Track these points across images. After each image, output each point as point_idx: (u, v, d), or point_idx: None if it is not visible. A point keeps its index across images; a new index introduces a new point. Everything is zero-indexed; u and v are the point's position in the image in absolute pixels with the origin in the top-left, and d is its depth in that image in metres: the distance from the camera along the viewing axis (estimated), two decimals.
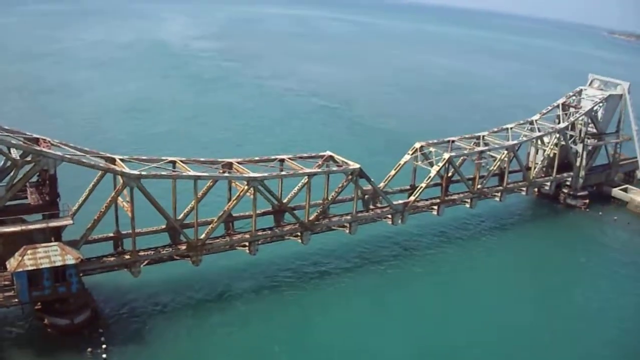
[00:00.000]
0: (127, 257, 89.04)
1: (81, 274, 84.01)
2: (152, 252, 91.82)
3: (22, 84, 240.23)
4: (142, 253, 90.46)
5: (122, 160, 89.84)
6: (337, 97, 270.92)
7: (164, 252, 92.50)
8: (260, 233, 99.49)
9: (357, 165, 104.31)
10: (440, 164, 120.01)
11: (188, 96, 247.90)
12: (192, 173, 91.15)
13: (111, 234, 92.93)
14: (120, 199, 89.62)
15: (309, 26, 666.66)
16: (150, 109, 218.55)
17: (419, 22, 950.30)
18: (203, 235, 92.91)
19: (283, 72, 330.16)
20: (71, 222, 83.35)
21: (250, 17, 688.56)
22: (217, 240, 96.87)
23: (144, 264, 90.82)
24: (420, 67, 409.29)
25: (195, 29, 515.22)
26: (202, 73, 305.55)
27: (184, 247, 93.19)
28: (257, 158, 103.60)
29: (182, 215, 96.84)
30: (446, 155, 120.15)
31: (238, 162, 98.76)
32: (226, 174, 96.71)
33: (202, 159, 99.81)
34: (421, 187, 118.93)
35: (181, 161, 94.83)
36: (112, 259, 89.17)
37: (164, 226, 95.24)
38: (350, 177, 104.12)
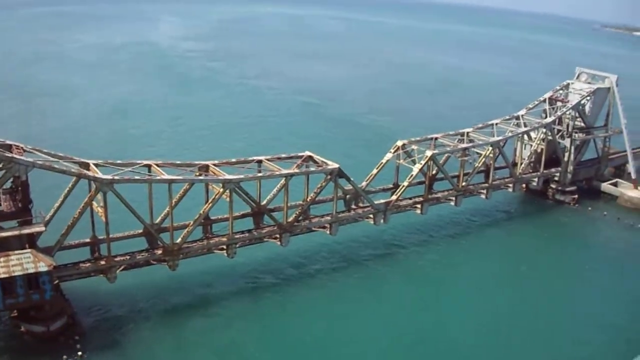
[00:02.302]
0: (103, 263, 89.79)
1: (57, 281, 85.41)
2: (128, 257, 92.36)
3: (9, 87, 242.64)
4: (117, 258, 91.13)
5: (96, 165, 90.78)
6: (323, 95, 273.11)
7: (140, 257, 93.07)
8: (237, 236, 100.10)
9: (336, 165, 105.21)
10: (423, 162, 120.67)
11: (172, 98, 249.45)
12: (166, 177, 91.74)
13: (87, 240, 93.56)
14: (95, 204, 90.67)
15: (302, 25, 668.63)
16: (134, 111, 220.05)
17: (411, 19, 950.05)
18: (179, 240, 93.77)
19: (269, 71, 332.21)
20: (44, 228, 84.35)
21: (242, 17, 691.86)
22: (194, 244, 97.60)
23: (120, 269, 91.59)
24: (411, 63, 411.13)
25: (186, 29, 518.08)
26: (188, 74, 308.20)
27: (160, 252, 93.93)
28: (234, 160, 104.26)
29: (158, 219, 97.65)
30: (429, 153, 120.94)
31: (214, 164, 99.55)
32: (202, 177, 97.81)
33: (178, 162, 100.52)
34: (403, 185, 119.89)
35: (156, 164, 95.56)
36: (87, 265, 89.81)
37: (140, 231, 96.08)
38: (329, 177, 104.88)
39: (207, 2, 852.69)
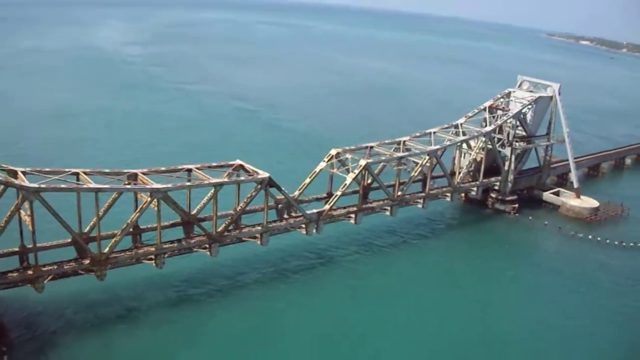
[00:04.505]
0: (30, 272, 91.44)
1: None
2: (56, 267, 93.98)
3: None
4: (45, 268, 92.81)
5: (24, 172, 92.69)
6: (259, 101, 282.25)
7: (68, 267, 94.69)
8: (166, 246, 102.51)
9: (266, 175, 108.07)
10: (357, 171, 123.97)
11: (109, 103, 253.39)
12: (93, 186, 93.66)
13: (16, 249, 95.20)
14: (22, 212, 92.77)
15: (243, 30, 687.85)
16: (67, 117, 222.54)
17: (351, 25, 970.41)
18: (107, 249, 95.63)
19: (208, 77, 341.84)
20: None
21: (183, 22, 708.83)
22: (122, 254, 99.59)
23: (48, 279, 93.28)
24: (352, 70, 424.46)
25: (127, 34, 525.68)
26: (127, 79, 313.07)
27: (88, 262, 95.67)
28: (163, 168, 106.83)
29: (87, 228, 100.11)
30: (363, 162, 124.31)
31: (144, 173, 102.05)
32: (129, 186, 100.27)
33: (106, 170, 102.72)
34: (336, 195, 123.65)
35: (85, 172, 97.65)
36: (14, 274, 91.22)
37: (69, 240, 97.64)
38: (259, 186, 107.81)
39: (149, 6, 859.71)
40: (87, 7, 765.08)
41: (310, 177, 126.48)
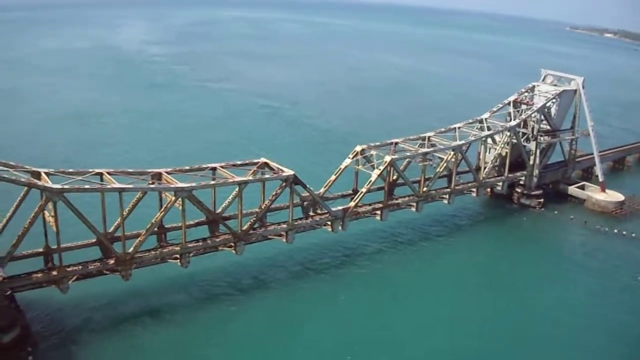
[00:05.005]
0: (55, 273, 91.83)
1: (9, 292, 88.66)
2: (81, 267, 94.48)
3: None
4: (70, 268, 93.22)
5: (47, 174, 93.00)
6: (282, 98, 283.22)
7: (92, 267, 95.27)
8: (191, 245, 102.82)
9: (291, 172, 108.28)
10: (382, 168, 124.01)
11: (132, 102, 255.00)
12: (117, 185, 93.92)
13: (40, 250, 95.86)
14: (46, 213, 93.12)
15: (266, 28, 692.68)
16: (91, 117, 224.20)
17: (380, 21, 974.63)
18: (131, 249, 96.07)
19: (230, 75, 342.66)
20: None
21: (205, 20, 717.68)
22: (147, 254, 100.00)
23: (72, 279, 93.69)
24: (375, 66, 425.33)
25: (149, 34, 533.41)
26: (150, 78, 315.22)
27: (112, 262, 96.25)
28: (187, 167, 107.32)
29: (112, 228, 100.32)
30: (388, 158, 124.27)
31: (168, 172, 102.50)
32: (153, 186, 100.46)
33: (130, 170, 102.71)
34: (362, 192, 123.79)
35: (108, 173, 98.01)
36: (39, 275, 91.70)
37: (94, 240, 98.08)
38: (284, 184, 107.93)
39: (171, 6, 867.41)
40: (103, 8, 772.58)
41: (335, 174, 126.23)
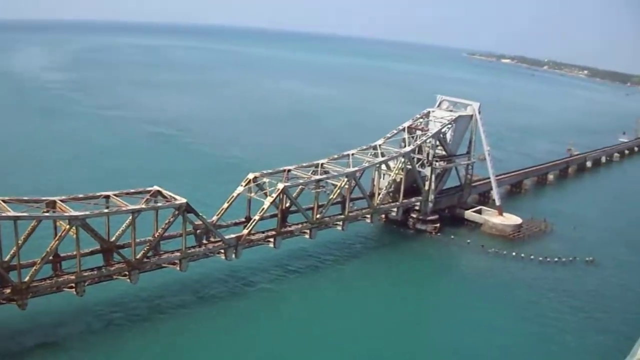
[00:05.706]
0: None
1: None
2: None
3: None
4: None
5: None
6: (177, 126, 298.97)
7: None
8: (86, 273, 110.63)
9: (183, 200, 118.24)
10: (274, 195, 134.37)
11: (25, 128, 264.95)
12: (11, 214, 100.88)
13: None
14: None
15: (163, 56, 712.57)
16: None
17: (271, 48, 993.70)
18: (27, 278, 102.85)
19: (125, 102, 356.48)
20: None
21: (101, 47, 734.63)
22: (43, 283, 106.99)
23: None
24: (273, 94, 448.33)
25: (46, 59, 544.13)
26: (46, 104, 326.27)
27: (8, 291, 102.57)
28: (81, 195, 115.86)
29: (7, 257, 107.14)
30: (280, 186, 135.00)
31: (62, 200, 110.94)
32: (48, 214, 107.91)
33: (25, 198, 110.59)
34: (255, 219, 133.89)
35: (3, 200, 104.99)
36: None
37: None
38: (177, 212, 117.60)
39: (65, 32, 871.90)
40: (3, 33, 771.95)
41: (228, 202, 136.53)
